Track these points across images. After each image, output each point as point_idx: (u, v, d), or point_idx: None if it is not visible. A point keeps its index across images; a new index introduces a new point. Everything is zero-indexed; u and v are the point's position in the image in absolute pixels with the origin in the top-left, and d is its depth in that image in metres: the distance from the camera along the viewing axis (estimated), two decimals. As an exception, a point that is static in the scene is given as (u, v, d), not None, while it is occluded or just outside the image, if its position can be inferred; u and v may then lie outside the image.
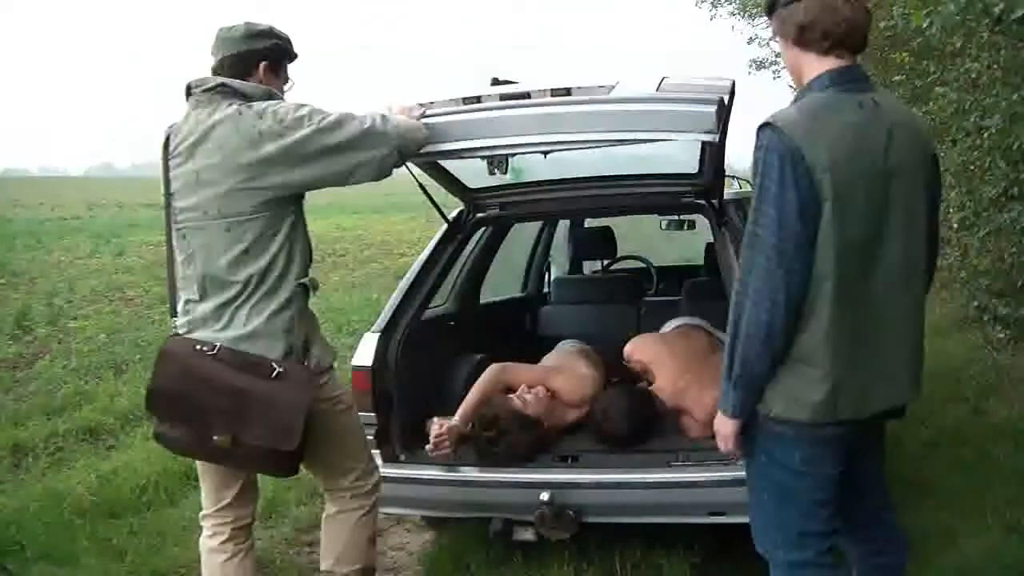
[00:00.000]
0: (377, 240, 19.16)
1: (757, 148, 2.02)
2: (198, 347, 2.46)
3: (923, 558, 3.42)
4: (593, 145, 2.86)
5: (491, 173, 2.87)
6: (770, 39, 19.12)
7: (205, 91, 2.48)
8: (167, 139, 2.52)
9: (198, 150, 2.45)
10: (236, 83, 2.50)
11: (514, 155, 2.88)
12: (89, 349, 7.98)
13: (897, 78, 7.36)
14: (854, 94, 2.05)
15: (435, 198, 3.65)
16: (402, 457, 3.36)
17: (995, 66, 4.88)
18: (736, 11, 16.78)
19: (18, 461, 5.11)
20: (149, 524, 4.07)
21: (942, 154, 6.80)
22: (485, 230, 4.27)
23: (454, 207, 3.95)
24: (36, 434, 5.48)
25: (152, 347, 7.88)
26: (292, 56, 2.68)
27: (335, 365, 2.71)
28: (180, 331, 2.56)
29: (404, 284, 3.64)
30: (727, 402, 2.13)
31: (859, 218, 1.99)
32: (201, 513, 2.74)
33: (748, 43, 19.30)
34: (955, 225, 6.02)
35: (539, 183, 3.91)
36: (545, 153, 2.91)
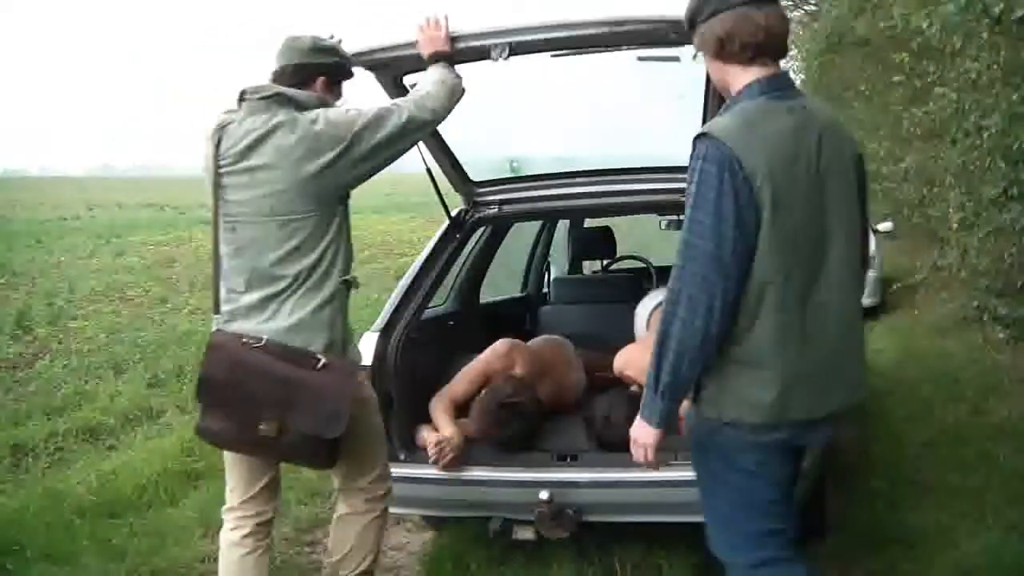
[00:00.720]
0: (377, 240, 19.13)
1: (694, 158, 2.03)
2: (245, 340, 2.55)
3: (923, 558, 3.43)
4: (594, 40, 2.91)
5: (494, 60, 2.92)
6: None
7: (261, 99, 2.57)
8: (219, 140, 2.58)
9: (253, 153, 2.53)
10: (291, 92, 2.59)
11: (515, 41, 2.90)
12: (89, 349, 7.99)
13: (897, 78, 7.34)
14: (783, 101, 2.08)
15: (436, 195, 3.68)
16: (402, 457, 3.35)
17: (995, 66, 4.87)
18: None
19: (18, 461, 5.12)
20: (149, 524, 4.07)
21: (942, 155, 6.82)
22: (485, 229, 4.27)
23: (455, 207, 3.95)
24: (36, 434, 5.49)
25: (152, 347, 7.91)
26: (350, 75, 2.82)
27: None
28: (222, 320, 2.64)
29: (404, 284, 3.64)
30: (652, 412, 2.12)
31: (801, 222, 2.02)
32: (225, 507, 2.78)
33: (748, 43, 19.36)
34: (955, 225, 6.00)
35: (539, 176, 3.92)
36: (552, 52, 2.98)
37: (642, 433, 2.16)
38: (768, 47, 2.08)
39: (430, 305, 3.80)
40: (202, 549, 3.84)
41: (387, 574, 3.69)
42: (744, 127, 2.02)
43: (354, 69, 2.86)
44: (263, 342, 2.53)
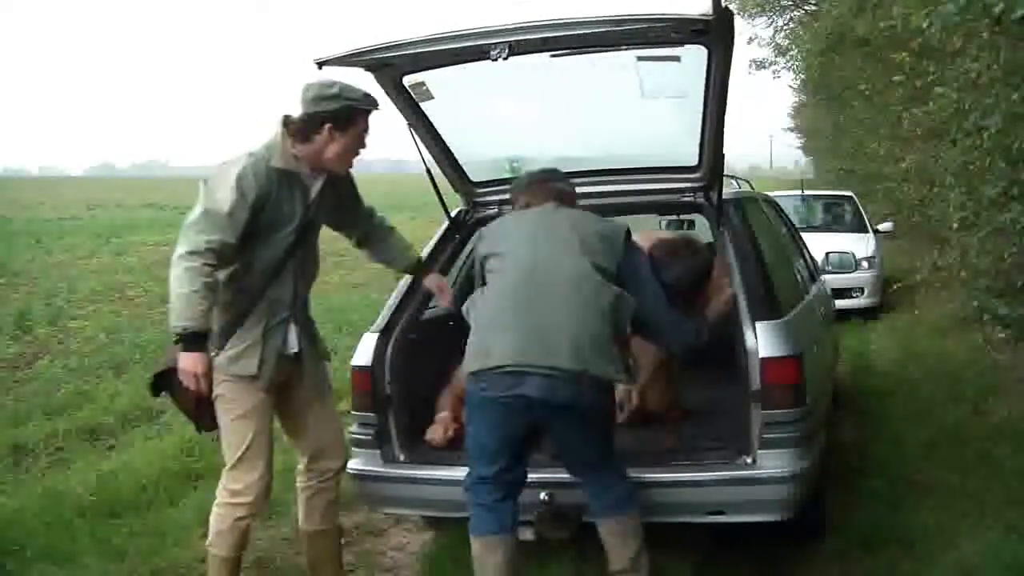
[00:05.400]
0: (377, 240, 19.14)
1: None
2: None
3: (923, 558, 3.43)
4: (593, 40, 2.93)
5: (494, 60, 2.90)
6: (770, 39, 19.12)
7: None
8: None
9: None
10: (266, 142, 2.93)
11: (515, 41, 2.89)
12: (89, 349, 7.98)
13: (897, 78, 7.35)
14: None
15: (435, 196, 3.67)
16: (402, 457, 3.36)
17: (995, 66, 4.86)
18: (736, 11, 16.80)
19: (18, 461, 5.11)
20: (149, 524, 4.06)
21: (942, 155, 6.83)
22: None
23: (455, 207, 3.94)
24: (36, 434, 5.49)
25: (152, 346, 7.89)
26: (368, 111, 2.97)
27: (259, 375, 2.93)
28: None
29: (404, 284, 3.64)
30: None
31: None
32: None
33: (748, 43, 19.38)
34: (955, 225, 6.00)
35: None
36: (552, 52, 2.98)
37: None
38: None
39: (430, 305, 3.80)
40: (202, 549, 3.81)
41: (387, 574, 3.69)
42: None
43: (373, 103, 2.97)
44: None
